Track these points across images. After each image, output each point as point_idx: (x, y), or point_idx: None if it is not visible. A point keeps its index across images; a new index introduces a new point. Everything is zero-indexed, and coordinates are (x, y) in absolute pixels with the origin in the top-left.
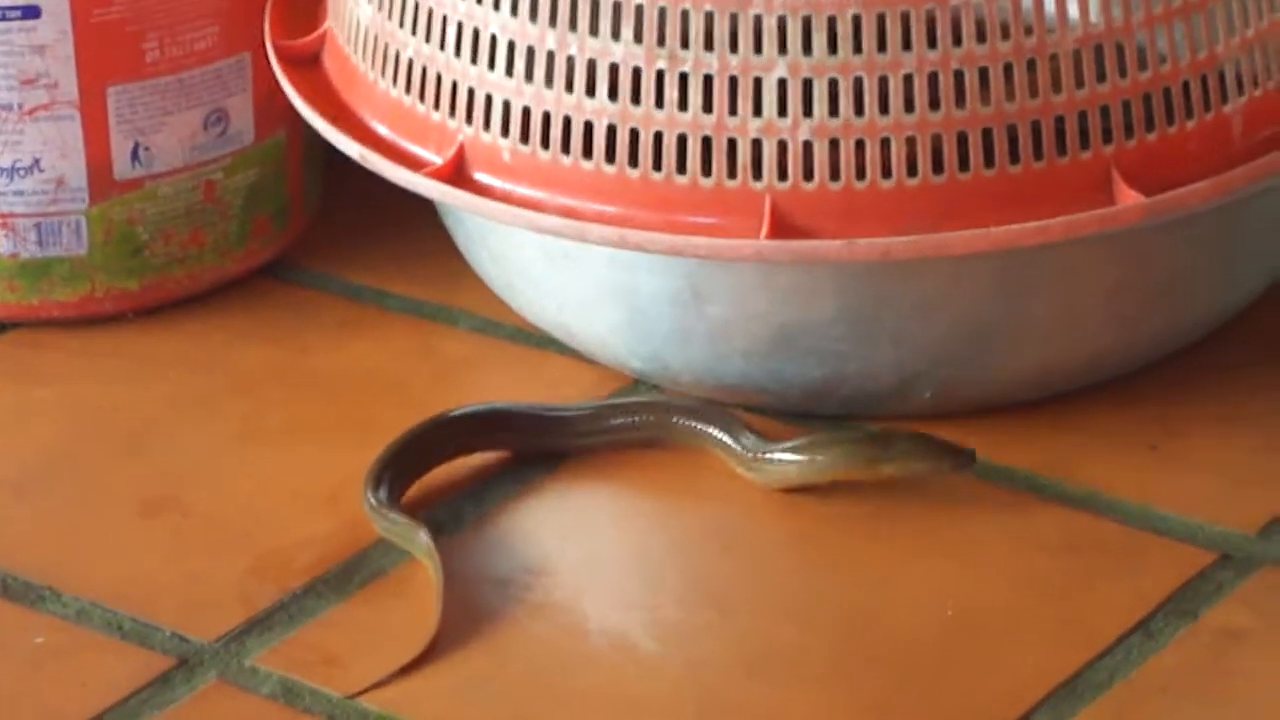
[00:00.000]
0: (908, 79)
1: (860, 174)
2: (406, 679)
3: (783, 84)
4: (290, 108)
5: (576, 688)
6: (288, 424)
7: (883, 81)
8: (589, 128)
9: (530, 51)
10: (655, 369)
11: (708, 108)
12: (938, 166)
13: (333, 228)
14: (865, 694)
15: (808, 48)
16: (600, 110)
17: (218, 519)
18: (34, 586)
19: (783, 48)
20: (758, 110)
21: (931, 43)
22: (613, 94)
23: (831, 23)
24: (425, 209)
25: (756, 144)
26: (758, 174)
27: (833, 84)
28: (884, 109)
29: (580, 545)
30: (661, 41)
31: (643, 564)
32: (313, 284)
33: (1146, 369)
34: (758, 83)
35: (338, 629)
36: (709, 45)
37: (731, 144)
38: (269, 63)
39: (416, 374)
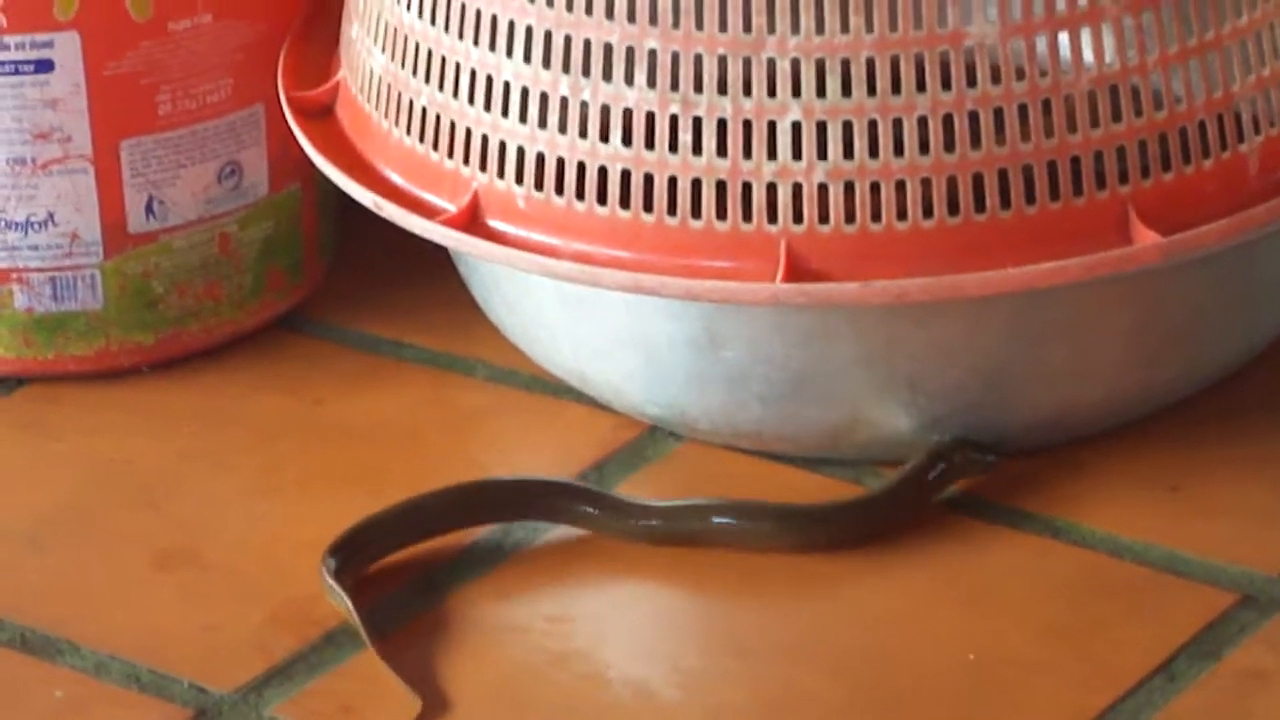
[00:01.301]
0: (922, 121)
1: (876, 216)
2: None
3: (797, 127)
4: (304, 159)
5: None
6: (303, 475)
7: (897, 124)
8: (603, 173)
9: (543, 98)
10: (672, 415)
11: (722, 152)
12: (953, 208)
13: (347, 279)
14: None
15: (821, 91)
16: (614, 155)
17: (234, 570)
18: (51, 640)
19: (796, 91)
20: (772, 154)
21: (946, 84)
22: (626, 139)
23: (845, 65)
24: (440, 259)
25: (771, 188)
26: (773, 218)
27: (847, 126)
28: (899, 151)
29: (600, 593)
30: (675, 86)
31: (663, 611)
32: (327, 335)
33: (1166, 410)
34: (772, 126)
35: (356, 679)
36: (722, 89)
37: (746, 188)
38: (282, 114)
39: (432, 424)
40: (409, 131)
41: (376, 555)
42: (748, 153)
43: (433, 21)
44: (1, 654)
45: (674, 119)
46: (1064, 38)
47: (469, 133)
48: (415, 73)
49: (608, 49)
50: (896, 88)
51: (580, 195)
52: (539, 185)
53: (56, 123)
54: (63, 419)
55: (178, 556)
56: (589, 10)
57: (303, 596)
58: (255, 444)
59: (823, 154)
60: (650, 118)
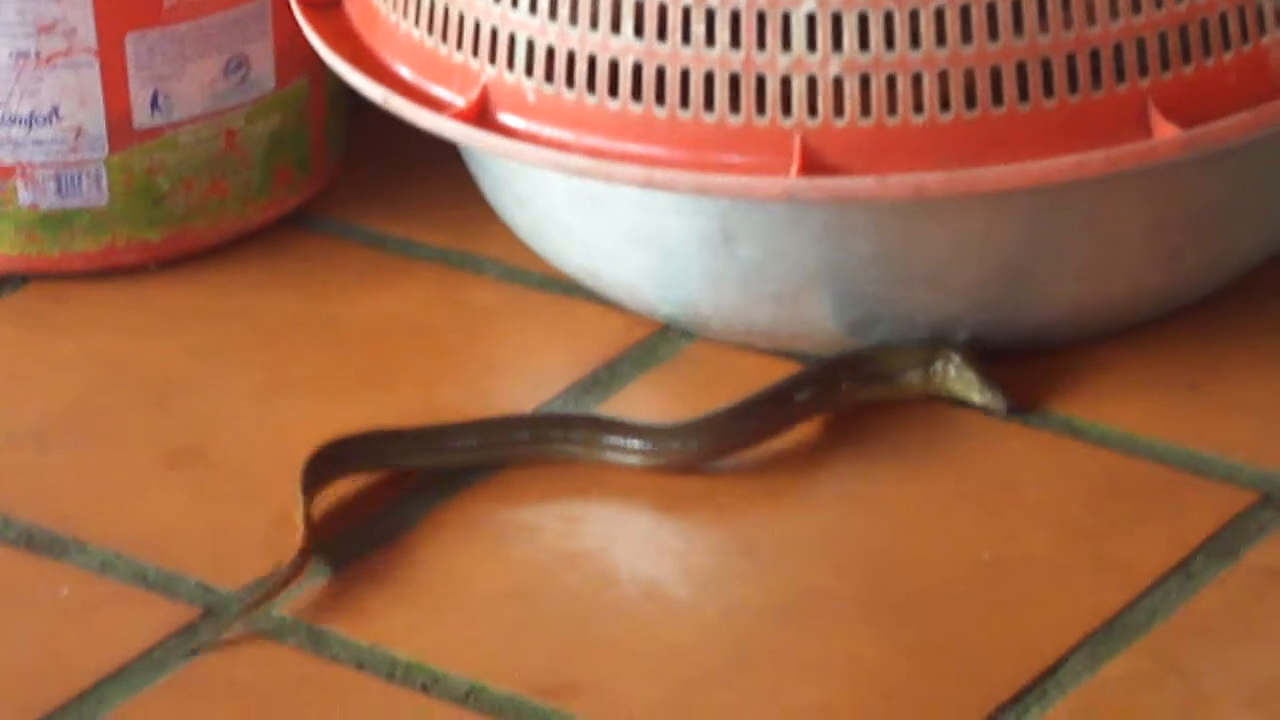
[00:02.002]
0: (939, 12)
1: (892, 110)
2: (438, 627)
3: (811, 19)
4: (311, 53)
5: (608, 636)
6: (311, 374)
7: (913, 15)
8: (614, 66)
9: None
10: (685, 314)
11: (735, 44)
12: (971, 101)
13: (356, 175)
14: (901, 637)
15: None
16: (626, 48)
17: (242, 469)
18: (58, 538)
19: None
20: (786, 46)
21: None
22: (638, 31)
23: None
24: (450, 155)
25: (785, 81)
26: (787, 111)
27: (863, 18)
28: (915, 43)
29: (610, 493)
30: None
31: (673, 512)
32: (336, 233)
33: (1185, 308)
34: (786, 18)
35: (364, 578)
36: None
37: (760, 81)
38: (289, 7)
39: (442, 323)
40: (417, 24)
41: (364, 469)
42: (761, 45)
43: None
44: (7, 552)
45: (686, 10)
46: None
47: (478, 25)
48: None
49: None
50: None
51: (591, 88)
52: (549, 78)
53: (60, 15)
54: (68, 317)
55: (185, 455)
56: None
57: None
58: (263, 342)
59: (838, 46)
60: (662, 9)
